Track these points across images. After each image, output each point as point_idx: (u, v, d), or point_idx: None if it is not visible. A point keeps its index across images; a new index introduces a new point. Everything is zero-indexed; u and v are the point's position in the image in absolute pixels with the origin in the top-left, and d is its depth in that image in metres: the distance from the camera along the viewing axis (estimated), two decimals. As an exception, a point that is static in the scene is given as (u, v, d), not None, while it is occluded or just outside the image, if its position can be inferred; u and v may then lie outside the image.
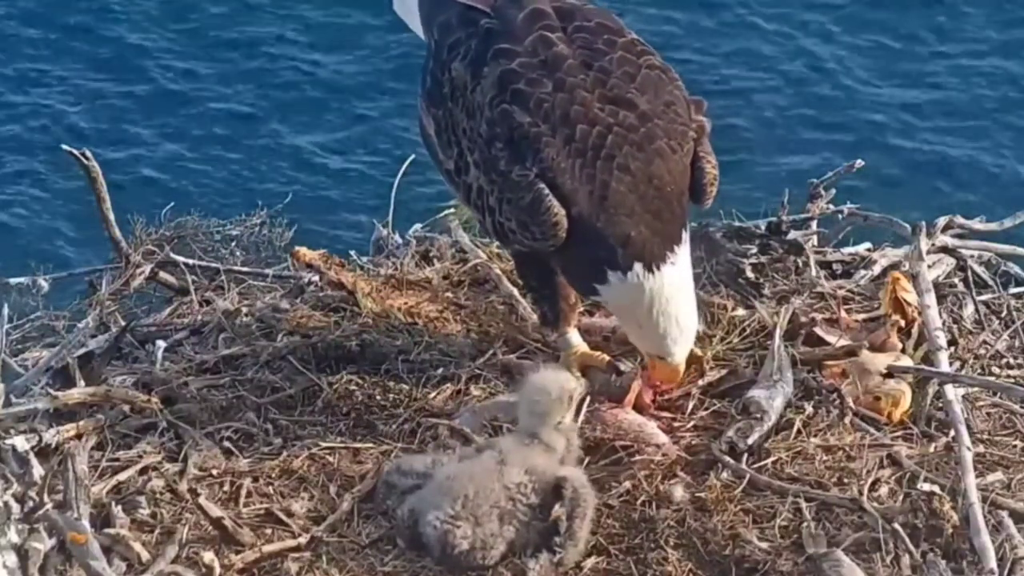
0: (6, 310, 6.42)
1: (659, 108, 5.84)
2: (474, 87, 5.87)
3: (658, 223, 5.75)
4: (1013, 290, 6.81)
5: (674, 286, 5.77)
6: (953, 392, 5.97)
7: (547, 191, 5.71)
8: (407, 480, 5.60)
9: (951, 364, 6.17)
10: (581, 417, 5.79)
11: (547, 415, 5.59)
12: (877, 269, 6.79)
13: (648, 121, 5.80)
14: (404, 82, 14.25)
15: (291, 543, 5.52)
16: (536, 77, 5.80)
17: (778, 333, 6.17)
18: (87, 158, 6.95)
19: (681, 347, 5.85)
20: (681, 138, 5.84)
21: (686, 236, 5.83)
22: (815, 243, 6.99)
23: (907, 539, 5.40)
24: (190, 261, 7.07)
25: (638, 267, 5.72)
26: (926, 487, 5.53)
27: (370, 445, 5.91)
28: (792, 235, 6.88)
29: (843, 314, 6.41)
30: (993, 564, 5.34)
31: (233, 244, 7.27)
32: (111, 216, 7.04)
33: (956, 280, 6.75)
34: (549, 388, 5.62)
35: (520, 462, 5.48)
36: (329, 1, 15.64)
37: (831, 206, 7.15)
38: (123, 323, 6.64)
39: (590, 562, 5.44)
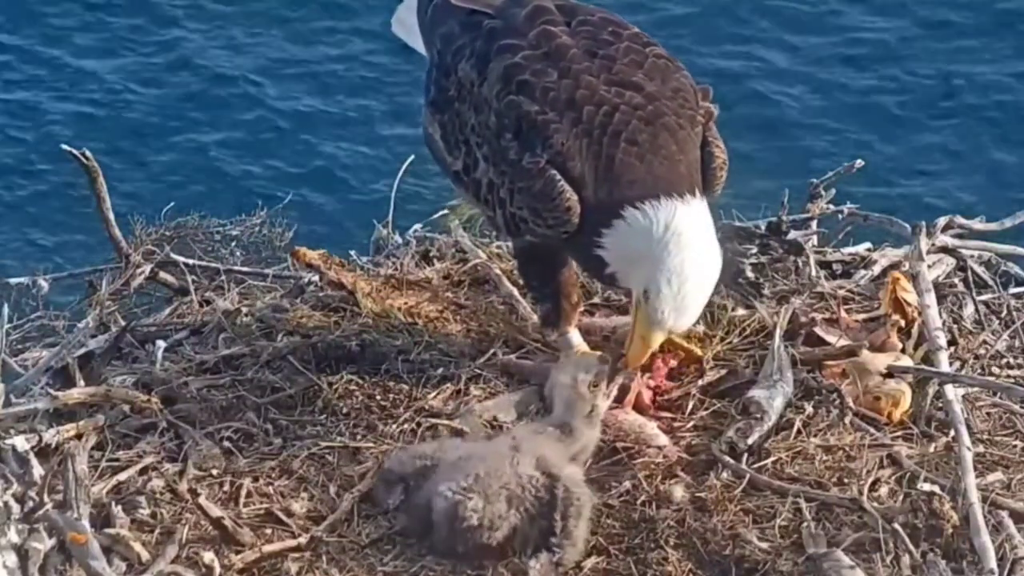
0: (6, 310, 6.41)
1: (667, 92, 5.83)
2: (480, 83, 5.88)
3: (664, 179, 5.67)
4: (1013, 290, 6.81)
5: (682, 228, 5.61)
6: (953, 392, 5.97)
7: (558, 177, 5.70)
8: (413, 463, 5.59)
9: (951, 364, 6.17)
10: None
11: (575, 406, 5.61)
12: (877, 269, 6.79)
13: (655, 100, 5.78)
14: (404, 82, 14.26)
15: (291, 543, 5.52)
16: (541, 68, 5.81)
17: (778, 333, 6.17)
18: (87, 158, 6.96)
19: (679, 309, 5.66)
20: (690, 120, 5.83)
21: (699, 196, 5.72)
22: (815, 243, 6.99)
23: (907, 539, 5.40)
24: (190, 261, 7.07)
25: (638, 208, 5.62)
26: (926, 487, 5.53)
27: (370, 445, 5.91)
28: (792, 235, 6.88)
29: (843, 314, 6.41)
30: (993, 564, 5.34)
31: (233, 244, 7.27)
32: (111, 216, 7.04)
33: (956, 280, 6.75)
34: (565, 374, 5.64)
35: (532, 452, 5.49)
36: (329, 4, 15.65)
37: (831, 206, 7.15)
38: (123, 323, 6.64)
39: (590, 562, 5.44)
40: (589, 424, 5.66)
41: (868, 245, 7.03)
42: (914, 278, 6.44)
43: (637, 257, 5.67)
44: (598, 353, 6.02)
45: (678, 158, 5.75)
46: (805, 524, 5.52)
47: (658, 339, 5.76)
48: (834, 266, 6.88)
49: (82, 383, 6.19)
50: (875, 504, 5.55)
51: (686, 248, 5.61)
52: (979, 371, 6.29)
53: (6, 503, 5.47)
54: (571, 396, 5.66)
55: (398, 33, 6.54)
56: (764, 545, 5.47)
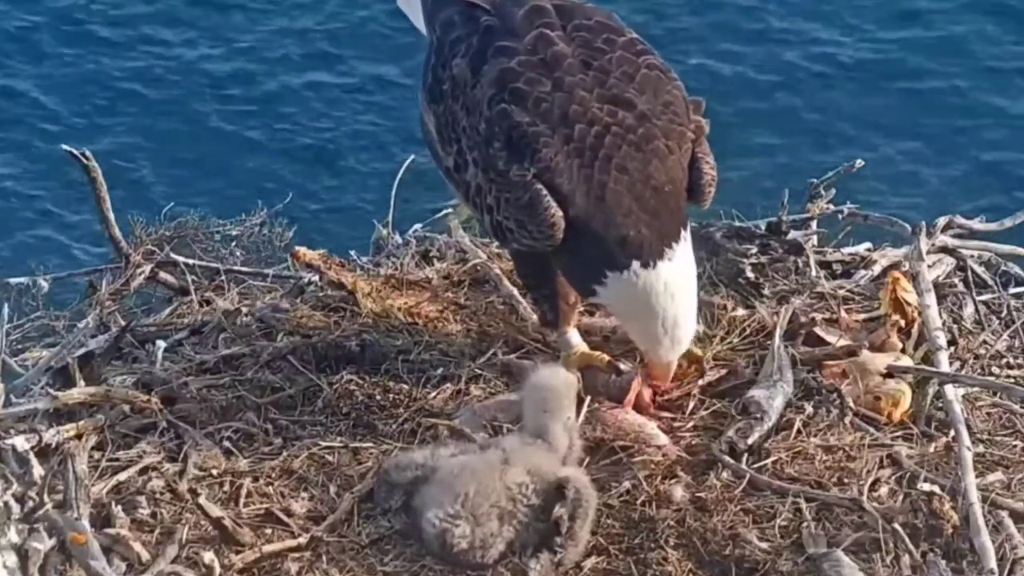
0: (6, 310, 6.41)
1: (657, 108, 5.84)
2: (474, 84, 5.88)
3: (656, 222, 5.75)
4: (1013, 290, 6.81)
5: (672, 283, 5.75)
6: (953, 392, 5.97)
7: (545, 191, 5.71)
8: (406, 474, 5.60)
9: (951, 364, 6.17)
10: (581, 416, 5.80)
11: (555, 413, 5.60)
12: (877, 269, 6.79)
13: (646, 121, 5.80)
14: (404, 81, 14.25)
15: (291, 543, 5.52)
16: (535, 76, 5.81)
17: (778, 333, 6.17)
18: (87, 158, 6.96)
19: (677, 346, 5.85)
20: (679, 138, 5.85)
21: (685, 235, 5.82)
22: (815, 243, 7.00)
23: (907, 539, 5.40)
24: (190, 261, 7.07)
25: (635, 265, 5.72)
26: (926, 487, 5.53)
27: (370, 445, 5.91)
28: (792, 235, 6.89)
29: (843, 314, 6.41)
30: (993, 564, 5.34)
31: (233, 244, 7.27)
32: (111, 216, 7.04)
33: (956, 280, 6.75)
34: (555, 385, 5.63)
35: (523, 462, 5.49)
36: (328, 2, 15.64)
37: (831, 206, 7.16)
38: (123, 323, 6.64)
39: (590, 562, 5.44)
40: (563, 432, 5.64)
41: (868, 245, 7.04)
42: (914, 278, 6.44)
43: (632, 315, 5.83)
44: (604, 357, 6.06)
45: (667, 189, 5.77)
46: (805, 524, 5.52)
47: (672, 367, 5.93)
48: (834, 266, 6.88)
49: (82, 383, 6.19)
50: (875, 504, 5.55)
51: (677, 304, 5.76)
52: (979, 371, 6.29)
53: (6, 503, 5.46)
54: (556, 401, 5.64)
55: (403, 7, 6.52)
56: (764, 545, 5.47)
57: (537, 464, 5.49)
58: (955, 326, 6.49)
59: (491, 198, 5.84)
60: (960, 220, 7.02)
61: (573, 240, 5.74)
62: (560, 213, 5.71)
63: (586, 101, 5.78)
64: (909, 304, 6.31)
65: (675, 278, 5.76)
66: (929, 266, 6.56)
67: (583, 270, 5.81)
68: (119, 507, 5.63)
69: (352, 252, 7.08)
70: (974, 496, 5.51)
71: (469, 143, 5.89)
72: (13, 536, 5.39)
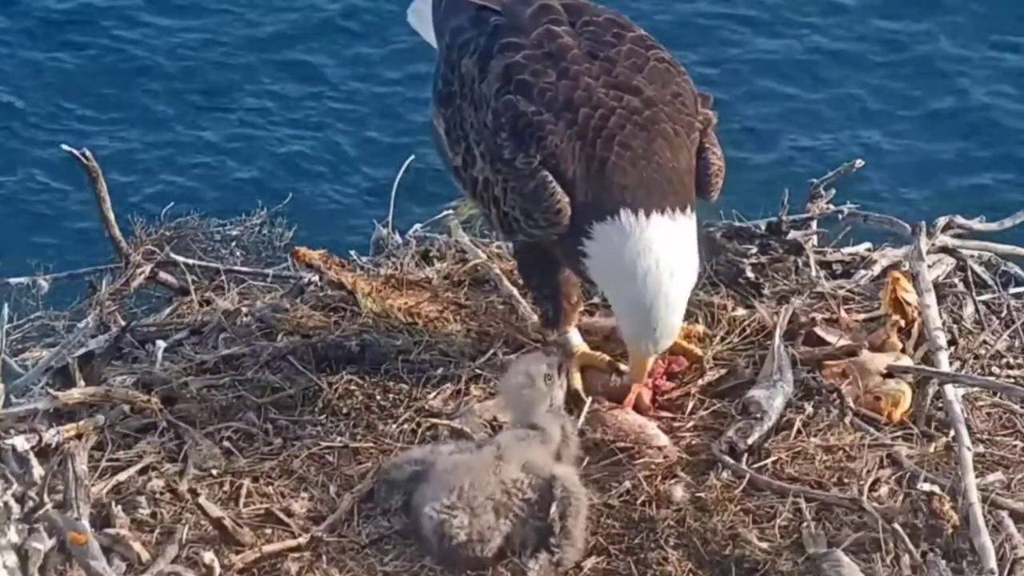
0: (6, 310, 6.41)
1: (666, 97, 5.82)
2: (481, 80, 5.88)
3: (656, 189, 5.66)
4: (1013, 290, 6.81)
5: (665, 243, 5.60)
6: (953, 392, 5.97)
7: (550, 178, 5.70)
8: (406, 469, 5.60)
9: (951, 364, 6.17)
10: (582, 418, 5.77)
11: (532, 404, 5.62)
12: (877, 269, 6.79)
13: (653, 105, 5.77)
14: (404, 83, 14.26)
15: (291, 543, 5.52)
16: (540, 68, 5.81)
17: (778, 333, 6.17)
18: (87, 158, 6.95)
19: (661, 332, 5.69)
20: (687, 127, 5.82)
21: (690, 215, 5.71)
22: (815, 243, 6.99)
23: (907, 539, 5.40)
24: (190, 261, 7.07)
25: (624, 213, 5.62)
26: (926, 487, 5.53)
27: (370, 445, 5.91)
28: (792, 235, 6.88)
29: (843, 314, 6.41)
30: (993, 564, 5.34)
31: (233, 244, 7.27)
32: (111, 216, 7.04)
33: (956, 280, 6.75)
34: (518, 377, 5.64)
35: (517, 457, 5.49)
36: (329, 2, 15.66)
37: (831, 206, 7.15)
38: (123, 323, 6.64)
39: (590, 562, 5.44)
40: (554, 418, 5.65)
41: (868, 245, 7.03)
42: (914, 278, 6.44)
43: (613, 273, 5.69)
44: (604, 357, 6.05)
45: (671, 166, 5.73)
46: (805, 524, 5.52)
47: (649, 362, 5.82)
48: (834, 266, 6.88)
49: (82, 383, 6.19)
50: (875, 504, 5.55)
51: (659, 274, 5.60)
52: (979, 371, 6.30)
53: (6, 503, 5.47)
54: (528, 396, 5.64)
55: (413, 24, 6.53)
56: (764, 545, 5.47)
57: (531, 460, 5.50)
58: (955, 326, 6.49)
59: (498, 189, 5.83)
60: (960, 220, 7.02)
61: (576, 225, 5.70)
62: (566, 199, 5.69)
63: (591, 87, 5.76)
64: (909, 304, 6.31)
65: (669, 239, 5.61)
66: (929, 266, 6.56)
67: (575, 236, 5.70)
68: (119, 507, 5.63)
69: (352, 252, 7.08)
70: (974, 496, 5.51)
71: (476, 137, 5.89)
72: (13, 536, 5.39)
